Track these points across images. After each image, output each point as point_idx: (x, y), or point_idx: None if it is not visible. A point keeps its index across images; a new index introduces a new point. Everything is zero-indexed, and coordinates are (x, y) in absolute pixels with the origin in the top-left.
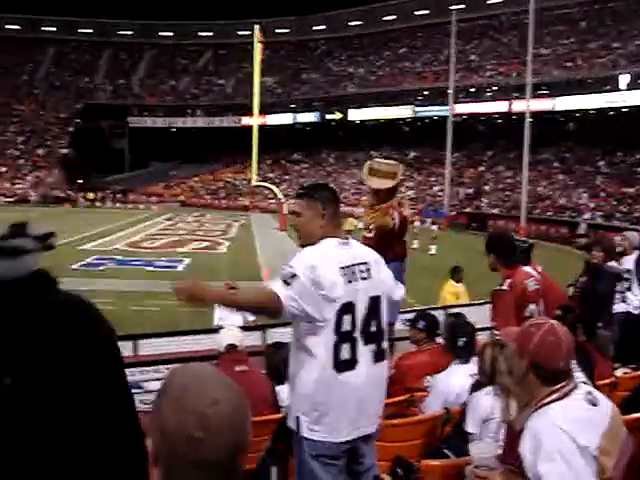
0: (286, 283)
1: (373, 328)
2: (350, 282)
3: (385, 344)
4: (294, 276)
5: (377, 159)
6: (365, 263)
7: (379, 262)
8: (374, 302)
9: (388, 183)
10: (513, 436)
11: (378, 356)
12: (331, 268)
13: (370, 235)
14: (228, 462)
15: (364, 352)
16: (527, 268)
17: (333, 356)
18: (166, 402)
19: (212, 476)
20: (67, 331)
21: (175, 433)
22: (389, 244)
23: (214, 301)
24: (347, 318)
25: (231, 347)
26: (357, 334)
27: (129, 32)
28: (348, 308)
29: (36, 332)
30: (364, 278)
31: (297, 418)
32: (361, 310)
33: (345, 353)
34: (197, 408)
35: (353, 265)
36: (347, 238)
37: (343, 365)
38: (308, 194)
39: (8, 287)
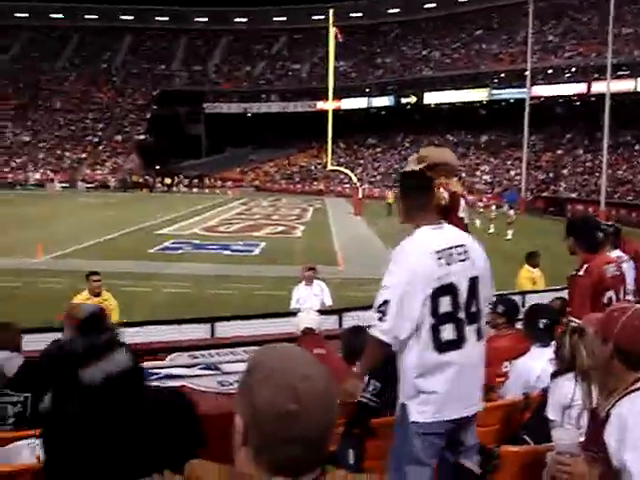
0: (380, 312)
1: (473, 308)
2: (449, 264)
3: (483, 323)
4: (385, 302)
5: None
6: (462, 245)
7: (474, 243)
8: (472, 283)
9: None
10: (596, 423)
11: (479, 335)
12: (425, 258)
13: None
14: (319, 438)
15: (469, 332)
16: (615, 252)
17: (433, 338)
18: (257, 380)
19: (303, 452)
20: (159, 419)
21: (267, 410)
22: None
23: (359, 387)
24: (446, 300)
25: (309, 330)
26: (462, 314)
27: (204, 19)
28: (449, 290)
29: (136, 419)
30: (462, 260)
31: (403, 405)
32: (463, 291)
33: (448, 334)
34: (289, 383)
35: (450, 248)
36: (440, 222)
37: (445, 345)
38: (401, 183)
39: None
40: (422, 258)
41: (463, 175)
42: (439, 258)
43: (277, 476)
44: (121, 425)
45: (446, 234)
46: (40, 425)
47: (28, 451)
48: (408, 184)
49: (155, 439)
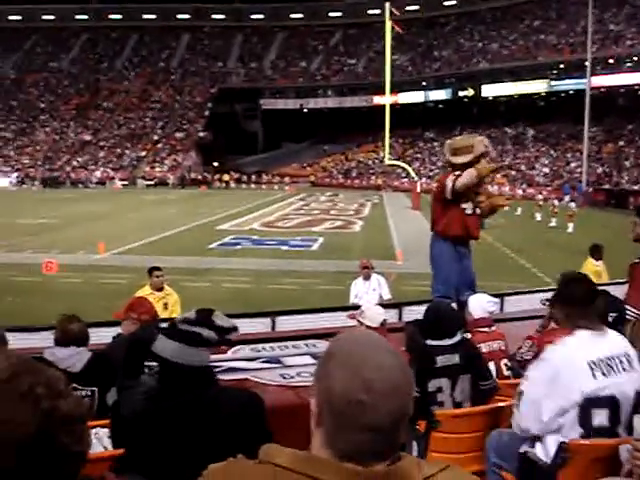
0: (517, 399)
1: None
2: (606, 375)
3: None
4: (521, 393)
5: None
6: (626, 354)
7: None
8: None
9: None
10: None
11: None
12: (574, 369)
13: None
14: (391, 427)
15: None
16: None
17: None
18: (333, 366)
19: (375, 440)
20: (223, 419)
21: (341, 396)
22: None
23: None
24: (602, 413)
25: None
26: (621, 429)
27: (260, 16)
28: (606, 403)
29: (202, 417)
30: (625, 370)
31: None
32: (626, 405)
33: None
34: (363, 372)
35: (610, 358)
36: (602, 329)
37: None
38: (566, 288)
39: (185, 373)
40: (570, 368)
41: (522, 168)
42: (594, 369)
43: (348, 462)
44: (191, 417)
45: (607, 341)
46: (108, 416)
47: (95, 440)
48: (575, 290)
49: (223, 434)
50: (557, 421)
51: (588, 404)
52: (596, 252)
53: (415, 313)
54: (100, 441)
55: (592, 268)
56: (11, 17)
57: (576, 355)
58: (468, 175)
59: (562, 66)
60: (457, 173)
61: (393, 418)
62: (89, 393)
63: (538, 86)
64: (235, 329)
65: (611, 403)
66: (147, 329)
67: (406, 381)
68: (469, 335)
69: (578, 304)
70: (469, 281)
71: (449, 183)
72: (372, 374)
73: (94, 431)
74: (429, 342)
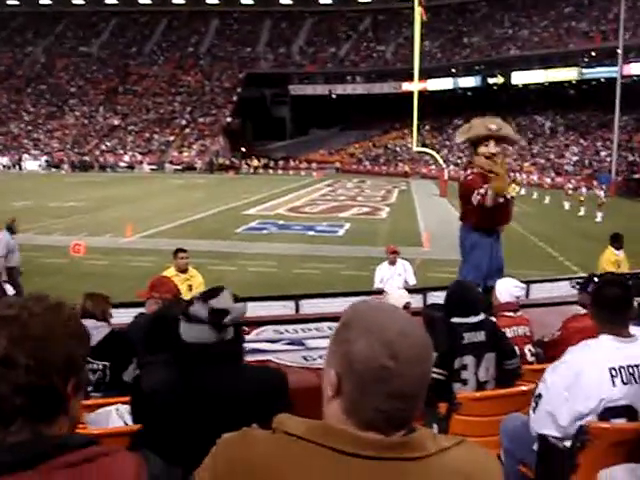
0: (534, 402)
1: None
2: (626, 384)
3: None
4: (539, 396)
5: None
6: None
7: None
8: None
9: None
10: None
11: None
12: (594, 374)
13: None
14: (413, 394)
15: None
16: None
17: None
18: (355, 333)
19: (400, 407)
20: (246, 395)
21: (364, 363)
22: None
23: None
24: (617, 422)
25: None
26: None
27: (289, 1)
28: (624, 412)
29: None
30: None
31: None
32: None
33: None
34: (387, 337)
35: (634, 366)
36: (631, 335)
37: None
38: (601, 291)
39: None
40: (590, 374)
41: (551, 156)
42: (614, 376)
43: (368, 431)
44: (216, 392)
45: (635, 348)
46: (128, 393)
47: (116, 416)
48: (607, 294)
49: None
50: (575, 425)
51: (605, 412)
52: (616, 241)
53: (440, 299)
54: (122, 417)
55: (611, 257)
56: (42, 1)
57: (597, 360)
58: (490, 199)
59: (593, 54)
60: (471, 173)
61: (416, 385)
62: (100, 367)
63: (569, 74)
64: (226, 312)
65: (628, 412)
66: (171, 307)
67: (428, 348)
68: (494, 319)
69: (608, 308)
70: (498, 267)
71: (474, 201)
72: (396, 340)
73: (115, 407)
74: (454, 320)
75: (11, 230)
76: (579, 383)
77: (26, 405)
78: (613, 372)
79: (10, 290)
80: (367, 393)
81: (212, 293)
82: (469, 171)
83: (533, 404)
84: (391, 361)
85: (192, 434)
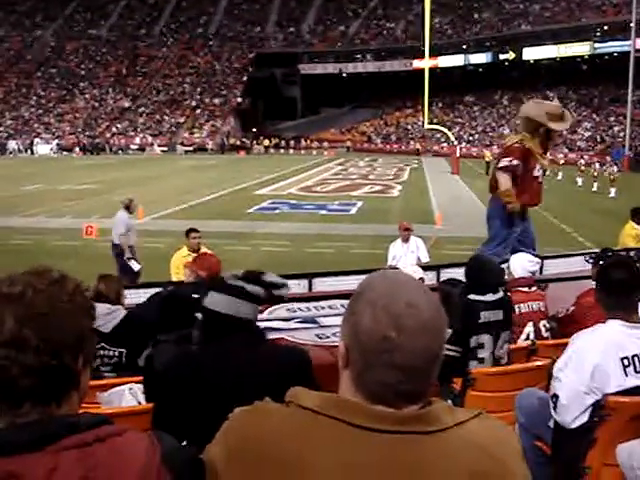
0: (552, 402)
1: None
2: (638, 372)
3: None
4: (555, 397)
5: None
6: None
7: None
8: None
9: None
10: None
11: None
12: (606, 362)
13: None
14: (420, 368)
15: None
16: None
17: None
18: (362, 303)
19: (404, 380)
20: (275, 374)
21: (369, 333)
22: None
23: None
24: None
25: None
26: None
27: None
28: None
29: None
30: None
31: None
32: None
33: None
34: (392, 309)
35: None
36: (638, 321)
37: None
38: (606, 274)
39: (236, 326)
40: (603, 367)
41: (564, 132)
42: (626, 365)
43: (377, 404)
44: (243, 371)
45: None
46: (141, 373)
47: (129, 395)
48: (612, 276)
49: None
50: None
51: (619, 393)
52: (637, 215)
53: (453, 275)
54: (135, 396)
55: (632, 232)
56: None
57: (609, 351)
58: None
59: (606, 28)
60: (520, 144)
61: (424, 358)
62: (117, 354)
63: (581, 49)
64: (285, 285)
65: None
66: (184, 287)
67: (438, 320)
68: (508, 294)
69: (614, 292)
70: (530, 242)
71: (502, 164)
72: (401, 310)
73: (129, 386)
74: (472, 297)
75: (129, 209)
76: (593, 377)
77: (37, 386)
78: (625, 362)
79: (136, 266)
80: (371, 364)
81: (257, 273)
82: (518, 144)
83: (552, 404)
84: (394, 332)
85: (206, 412)
